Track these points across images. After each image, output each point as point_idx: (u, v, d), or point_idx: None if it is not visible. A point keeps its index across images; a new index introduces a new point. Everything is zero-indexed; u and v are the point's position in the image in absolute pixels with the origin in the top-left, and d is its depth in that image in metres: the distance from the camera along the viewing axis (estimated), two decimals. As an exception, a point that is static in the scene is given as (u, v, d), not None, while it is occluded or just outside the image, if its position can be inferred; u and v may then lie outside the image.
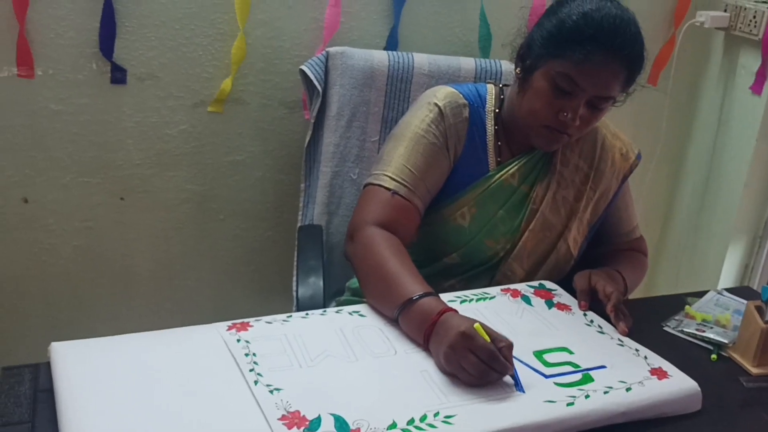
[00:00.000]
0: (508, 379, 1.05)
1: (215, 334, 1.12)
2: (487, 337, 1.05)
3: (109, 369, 1.02)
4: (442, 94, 1.41)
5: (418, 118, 1.40)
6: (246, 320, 1.16)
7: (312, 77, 1.68)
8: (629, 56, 1.30)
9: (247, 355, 1.07)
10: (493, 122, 1.44)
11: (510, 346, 1.07)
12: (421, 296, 1.15)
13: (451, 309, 1.13)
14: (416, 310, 1.14)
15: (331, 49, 1.71)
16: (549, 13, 1.35)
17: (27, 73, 1.65)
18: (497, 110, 1.45)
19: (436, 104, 1.40)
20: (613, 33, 1.27)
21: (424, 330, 1.11)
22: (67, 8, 1.63)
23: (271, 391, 0.99)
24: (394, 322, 1.19)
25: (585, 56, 1.27)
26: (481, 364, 1.03)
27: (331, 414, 0.96)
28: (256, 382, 1.01)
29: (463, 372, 1.04)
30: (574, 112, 1.31)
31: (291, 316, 1.19)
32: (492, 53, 1.92)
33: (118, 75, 1.70)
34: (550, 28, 1.32)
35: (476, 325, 1.06)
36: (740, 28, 2.06)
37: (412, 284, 1.18)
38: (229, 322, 1.15)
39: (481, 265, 1.44)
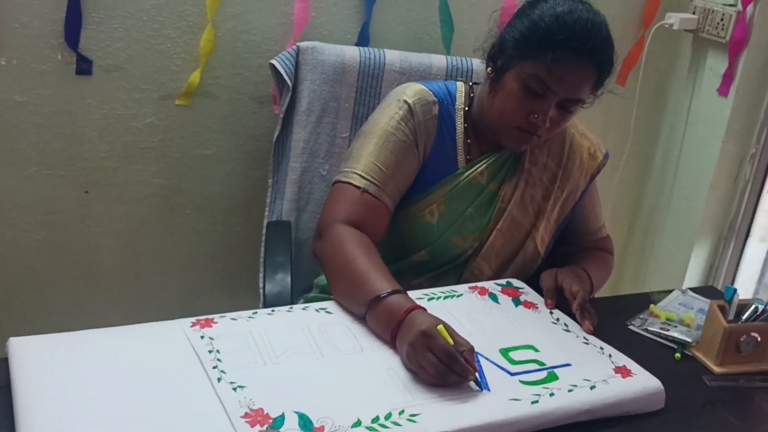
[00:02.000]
0: (472, 384, 1.05)
1: (179, 330, 1.10)
2: (450, 339, 1.05)
3: (68, 365, 1.00)
4: (412, 91, 1.41)
5: (387, 115, 1.39)
6: (210, 317, 1.14)
7: (282, 72, 1.67)
8: (600, 60, 1.30)
9: (210, 351, 1.05)
10: (462, 120, 1.44)
11: (471, 350, 1.07)
12: (390, 294, 1.15)
13: (419, 307, 1.13)
14: (384, 307, 1.14)
15: (302, 44, 1.70)
16: (521, 13, 1.35)
17: (-10, 63, 1.61)
18: (467, 108, 1.44)
19: (405, 101, 1.39)
20: (585, 37, 1.27)
21: (392, 328, 1.11)
22: (31, -3, 1.60)
23: (234, 389, 0.98)
24: (361, 319, 1.18)
25: (557, 59, 1.27)
26: (440, 365, 1.03)
27: (295, 412, 0.95)
28: (219, 380, 1.00)
29: (422, 371, 1.04)
30: (545, 114, 1.32)
31: (256, 312, 1.18)
32: (461, 51, 1.91)
33: (84, 66, 1.67)
34: (523, 30, 1.31)
35: (440, 326, 1.06)
36: (708, 30, 2.09)
37: (380, 281, 1.18)
38: (193, 319, 1.13)
39: (449, 263, 1.44)
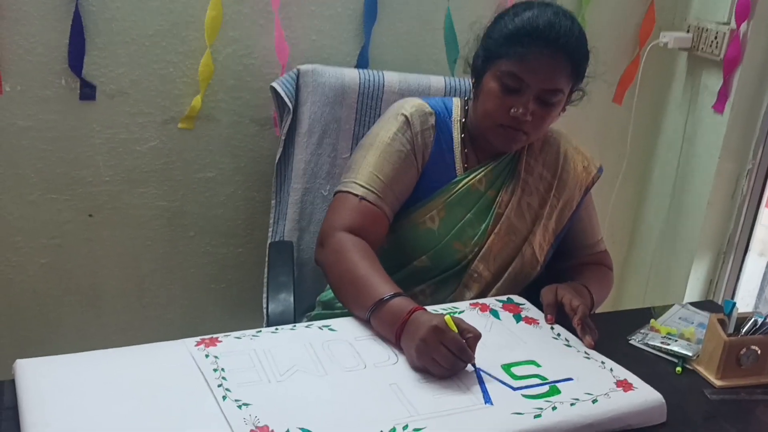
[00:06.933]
0: (469, 367, 1.11)
1: (183, 349, 1.11)
2: (455, 329, 1.11)
3: (74, 386, 1.01)
4: (409, 104, 1.46)
5: (385, 128, 1.44)
6: (215, 336, 1.15)
7: (283, 94, 1.69)
8: (568, 45, 1.35)
9: (215, 370, 1.07)
10: (459, 131, 1.48)
11: (477, 336, 1.13)
12: (392, 297, 1.20)
13: (420, 307, 1.17)
14: (387, 310, 1.19)
15: (302, 67, 1.72)
16: (492, 23, 1.43)
17: (-5, 89, 1.63)
18: (463, 120, 1.49)
19: (403, 113, 1.44)
20: (550, 27, 1.34)
21: (396, 329, 1.16)
22: (35, 25, 1.62)
23: (239, 406, 0.99)
24: (364, 336, 1.21)
25: (526, 52, 1.33)
26: (451, 356, 1.09)
27: (300, 428, 0.96)
28: (224, 398, 1.01)
29: (434, 364, 1.09)
30: (525, 107, 1.36)
31: (260, 331, 1.19)
32: (460, 71, 1.94)
33: (88, 91, 1.70)
34: (493, 34, 1.40)
35: (447, 317, 1.12)
36: (702, 48, 2.11)
37: (382, 286, 1.23)
38: (198, 338, 1.14)
39: (450, 269, 1.46)
